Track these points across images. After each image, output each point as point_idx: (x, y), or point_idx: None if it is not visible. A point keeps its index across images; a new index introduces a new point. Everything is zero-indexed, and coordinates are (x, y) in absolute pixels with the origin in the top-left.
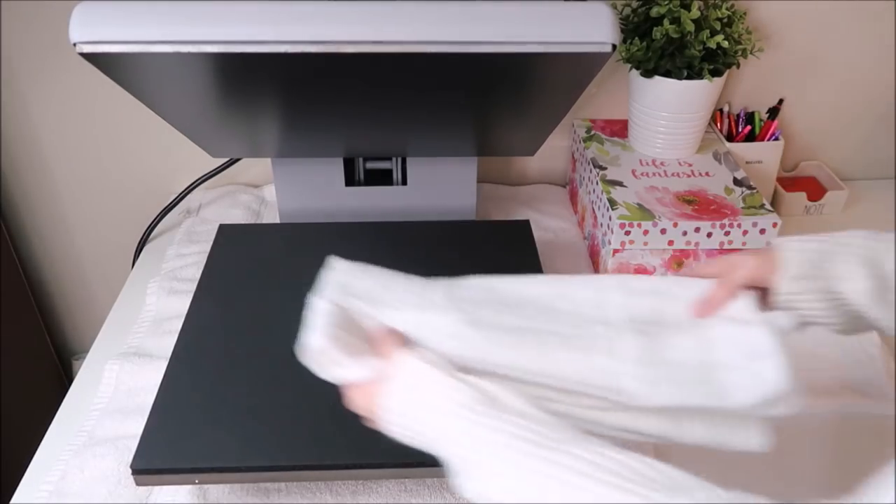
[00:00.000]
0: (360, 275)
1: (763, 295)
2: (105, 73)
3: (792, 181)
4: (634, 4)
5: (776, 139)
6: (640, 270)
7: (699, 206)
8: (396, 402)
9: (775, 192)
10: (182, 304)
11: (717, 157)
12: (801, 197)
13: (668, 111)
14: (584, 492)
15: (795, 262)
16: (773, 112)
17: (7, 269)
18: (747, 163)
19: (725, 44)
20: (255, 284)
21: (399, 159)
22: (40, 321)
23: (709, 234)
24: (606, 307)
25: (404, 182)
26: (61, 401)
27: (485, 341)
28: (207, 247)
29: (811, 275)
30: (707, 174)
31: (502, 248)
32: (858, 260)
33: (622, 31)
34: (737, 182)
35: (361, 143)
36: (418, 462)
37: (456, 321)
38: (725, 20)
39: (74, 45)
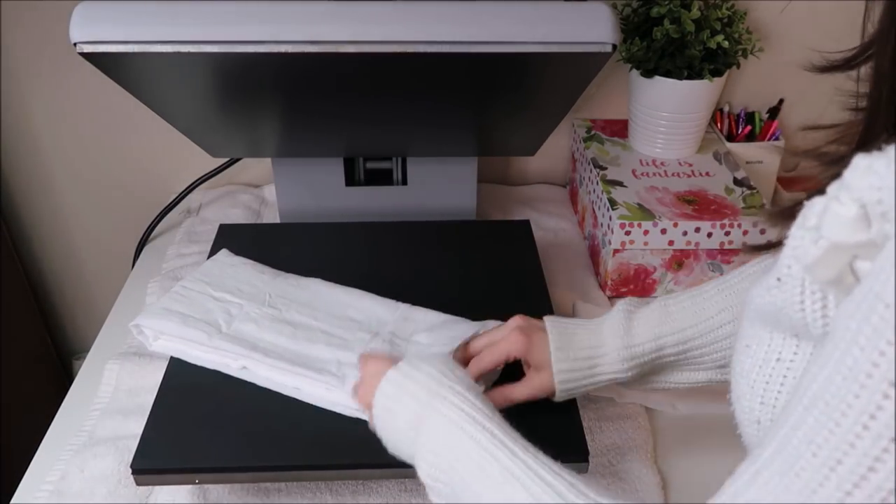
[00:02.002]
0: (227, 269)
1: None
2: (105, 73)
3: (792, 181)
4: (634, 4)
5: (776, 139)
6: (641, 270)
7: (699, 206)
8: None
9: (775, 192)
10: None
11: (717, 157)
12: (801, 197)
13: (668, 111)
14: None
15: (563, 366)
16: (774, 112)
17: (7, 269)
18: (747, 163)
19: (726, 44)
20: None
21: (399, 159)
22: (40, 321)
23: (709, 234)
24: (384, 323)
25: (405, 182)
26: (61, 400)
27: (271, 328)
28: (208, 247)
29: (579, 382)
30: (707, 174)
31: (502, 248)
32: (617, 351)
33: (622, 31)
34: (737, 182)
35: (362, 142)
36: None
37: (261, 313)
38: (725, 20)
39: (75, 44)
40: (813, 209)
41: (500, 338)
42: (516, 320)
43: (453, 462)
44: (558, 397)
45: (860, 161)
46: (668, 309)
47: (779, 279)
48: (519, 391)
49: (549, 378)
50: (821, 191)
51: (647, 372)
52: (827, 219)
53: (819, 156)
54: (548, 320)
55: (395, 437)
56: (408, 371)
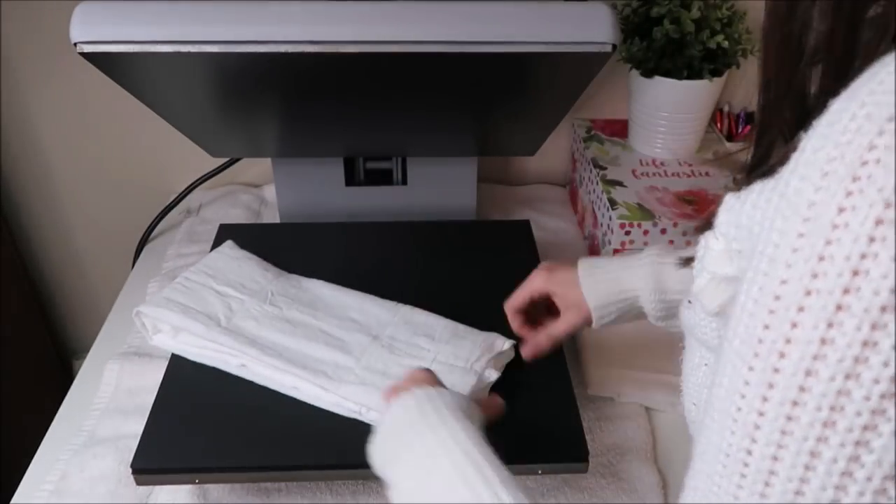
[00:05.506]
0: (231, 263)
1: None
2: (105, 73)
3: None
4: (634, 4)
5: None
6: None
7: (699, 206)
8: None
9: None
10: None
11: (717, 157)
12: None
13: (668, 111)
14: None
15: (595, 292)
16: None
17: (8, 269)
18: None
19: (725, 44)
20: None
21: (399, 159)
22: (41, 321)
23: None
24: (384, 325)
25: (405, 182)
26: (62, 400)
27: (271, 325)
28: (208, 247)
29: (610, 300)
30: (707, 174)
31: (502, 248)
32: (649, 281)
33: (622, 31)
34: (737, 182)
35: (362, 142)
36: None
37: (261, 311)
38: (725, 20)
39: (75, 44)
40: (701, 240)
41: (527, 280)
42: (542, 264)
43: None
44: (596, 323)
45: (728, 198)
46: None
47: (689, 301)
48: (558, 327)
49: (581, 310)
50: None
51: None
52: (705, 251)
53: (732, 163)
54: (579, 260)
55: (385, 444)
56: (434, 396)
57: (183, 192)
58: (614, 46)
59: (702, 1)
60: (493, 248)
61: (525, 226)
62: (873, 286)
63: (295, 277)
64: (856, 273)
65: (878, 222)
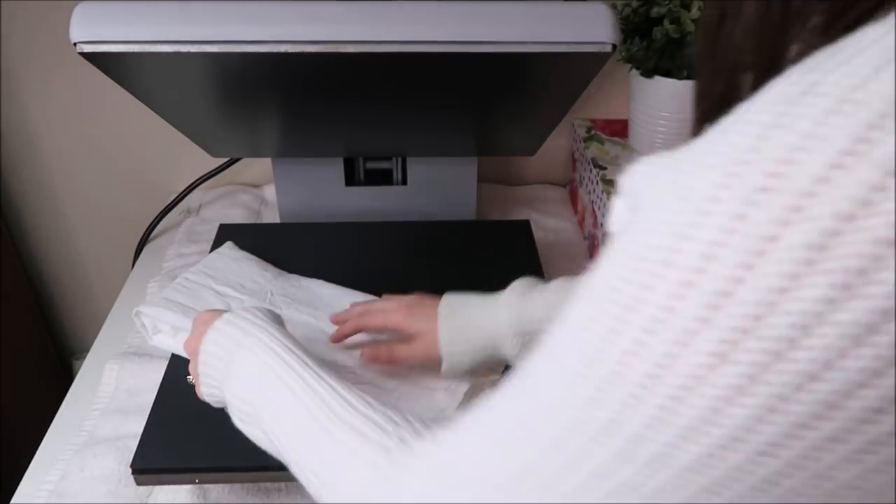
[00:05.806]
0: (231, 263)
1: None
2: (105, 73)
3: None
4: (634, 4)
5: None
6: None
7: None
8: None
9: None
10: None
11: None
12: None
13: (668, 111)
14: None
15: (450, 340)
16: None
17: (8, 269)
18: None
19: None
20: None
21: (399, 159)
22: (41, 321)
23: None
24: None
25: (405, 182)
26: (61, 400)
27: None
28: (207, 246)
29: (465, 348)
30: None
31: (502, 248)
32: (510, 325)
33: (622, 31)
34: None
35: (362, 142)
36: None
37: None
38: None
39: (75, 44)
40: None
41: (387, 306)
42: (411, 297)
43: (257, 389)
44: (444, 372)
45: (640, 160)
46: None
47: None
48: (401, 351)
49: (431, 350)
50: None
51: None
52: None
53: None
54: (444, 296)
55: (214, 378)
56: (231, 319)
57: (183, 192)
58: (614, 46)
59: (702, 1)
60: (493, 248)
61: (525, 226)
62: (721, 272)
63: (295, 277)
64: (708, 258)
65: (737, 216)
